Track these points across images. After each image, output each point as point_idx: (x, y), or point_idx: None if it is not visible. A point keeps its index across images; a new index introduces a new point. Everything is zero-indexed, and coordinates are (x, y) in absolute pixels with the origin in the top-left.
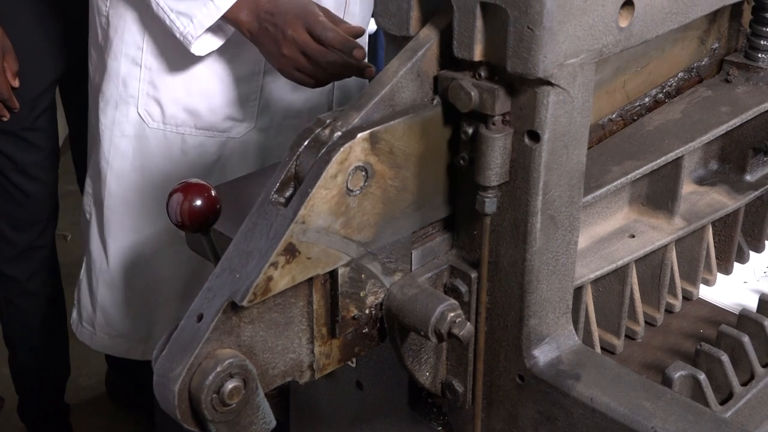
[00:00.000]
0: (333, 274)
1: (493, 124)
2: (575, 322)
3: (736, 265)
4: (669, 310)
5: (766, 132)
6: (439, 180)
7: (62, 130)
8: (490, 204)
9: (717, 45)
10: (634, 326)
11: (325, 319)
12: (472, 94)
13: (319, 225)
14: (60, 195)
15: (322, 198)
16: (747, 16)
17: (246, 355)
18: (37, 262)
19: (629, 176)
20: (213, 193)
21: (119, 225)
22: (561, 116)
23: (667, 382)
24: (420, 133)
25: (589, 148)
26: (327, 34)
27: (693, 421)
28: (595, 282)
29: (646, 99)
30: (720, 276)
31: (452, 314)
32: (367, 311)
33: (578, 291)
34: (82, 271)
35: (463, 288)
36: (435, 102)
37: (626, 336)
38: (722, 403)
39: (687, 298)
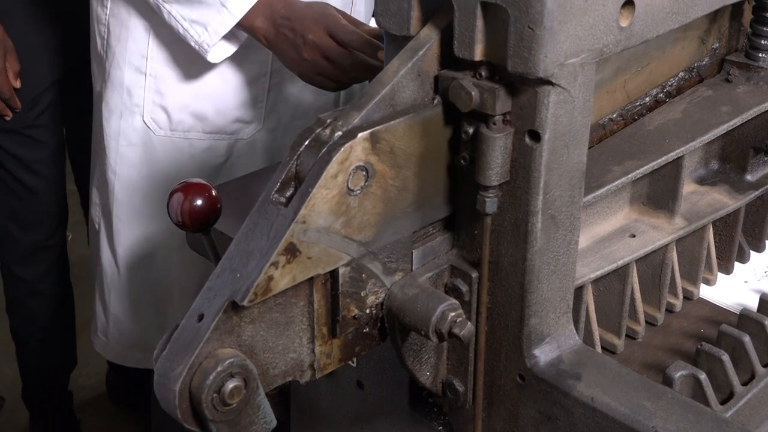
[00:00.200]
0: (334, 274)
1: (494, 123)
2: (576, 322)
3: (736, 264)
4: (670, 310)
5: (767, 132)
6: (439, 180)
7: None
8: (490, 204)
9: (717, 45)
10: (634, 326)
11: (326, 318)
12: (473, 93)
13: (320, 225)
14: None
15: (323, 198)
16: (748, 15)
17: (247, 355)
18: (48, 262)
19: (630, 176)
20: (213, 192)
21: (128, 234)
22: (562, 116)
23: (667, 381)
24: (420, 132)
25: (589, 148)
26: (350, 36)
27: (694, 421)
28: (596, 282)
29: (647, 99)
30: (721, 276)
31: (453, 314)
32: (367, 311)
33: (579, 291)
34: (96, 282)
35: (464, 288)
36: (435, 102)
37: (627, 336)
38: (723, 402)
39: (688, 297)
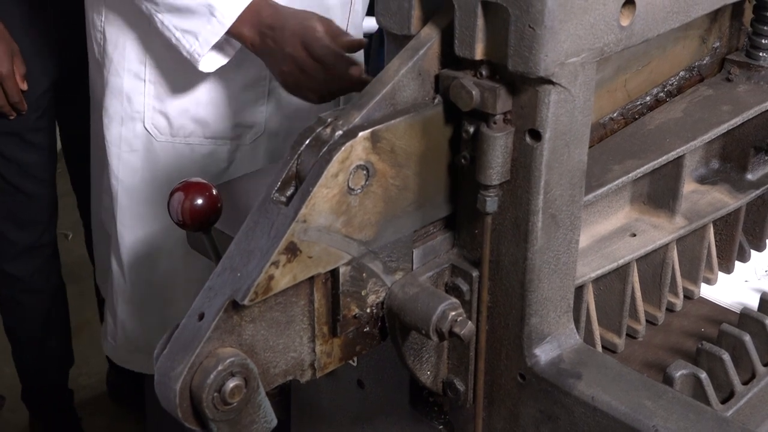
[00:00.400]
0: (334, 273)
1: (495, 122)
2: (576, 321)
3: (737, 263)
4: (670, 309)
5: (767, 131)
6: (440, 179)
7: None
8: (491, 203)
9: (718, 44)
10: (635, 325)
11: (327, 317)
12: (474, 93)
13: (321, 224)
14: (59, 194)
15: (324, 197)
16: (748, 15)
17: (247, 354)
18: (40, 260)
19: (630, 175)
20: (214, 191)
21: (132, 240)
22: (562, 115)
23: (668, 380)
24: (421, 132)
25: (590, 147)
26: (322, 51)
27: (694, 420)
28: (597, 281)
29: (648, 98)
30: (721, 275)
31: (453, 313)
32: (368, 310)
33: (579, 290)
34: (107, 286)
35: (465, 287)
36: (436, 101)
37: (627, 335)
38: (723, 401)
39: (688, 296)
